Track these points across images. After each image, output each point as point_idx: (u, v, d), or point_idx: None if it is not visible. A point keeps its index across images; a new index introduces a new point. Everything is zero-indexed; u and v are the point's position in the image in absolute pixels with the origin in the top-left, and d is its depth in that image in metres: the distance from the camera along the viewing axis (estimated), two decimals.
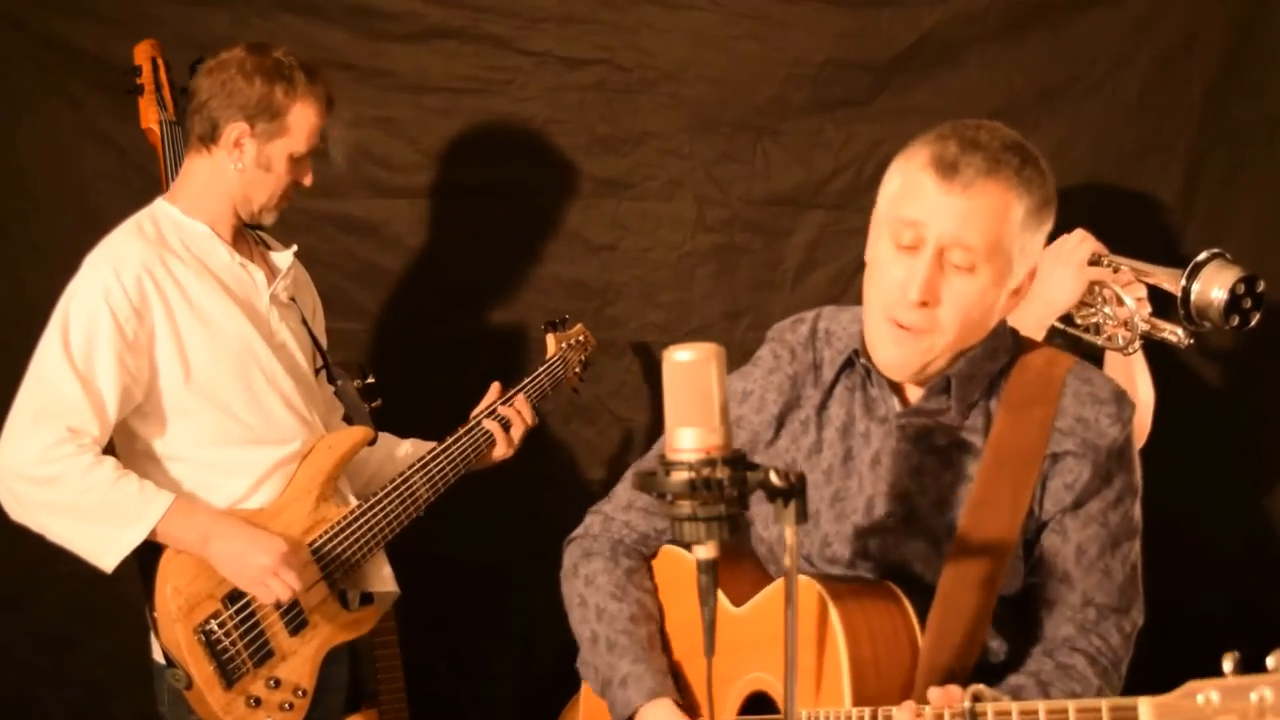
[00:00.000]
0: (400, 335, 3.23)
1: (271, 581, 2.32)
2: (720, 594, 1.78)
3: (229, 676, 2.31)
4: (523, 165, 3.20)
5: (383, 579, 2.58)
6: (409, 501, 2.56)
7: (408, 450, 2.72)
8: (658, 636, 1.88)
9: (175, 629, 2.28)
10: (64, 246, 3.17)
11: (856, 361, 1.78)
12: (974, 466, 1.71)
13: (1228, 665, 1.19)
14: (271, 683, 2.36)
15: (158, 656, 2.40)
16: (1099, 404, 1.71)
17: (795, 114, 3.14)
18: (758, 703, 1.74)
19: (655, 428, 3.01)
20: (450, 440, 2.64)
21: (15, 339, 3.14)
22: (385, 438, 2.75)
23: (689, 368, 1.37)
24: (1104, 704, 1.32)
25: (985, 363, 1.73)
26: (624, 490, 1.97)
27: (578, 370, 3.01)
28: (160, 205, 2.48)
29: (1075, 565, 1.69)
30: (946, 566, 1.68)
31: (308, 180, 2.53)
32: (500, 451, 2.72)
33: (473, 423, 2.69)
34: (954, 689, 1.51)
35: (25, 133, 3.16)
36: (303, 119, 2.44)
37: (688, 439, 1.36)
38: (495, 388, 2.76)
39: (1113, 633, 1.70)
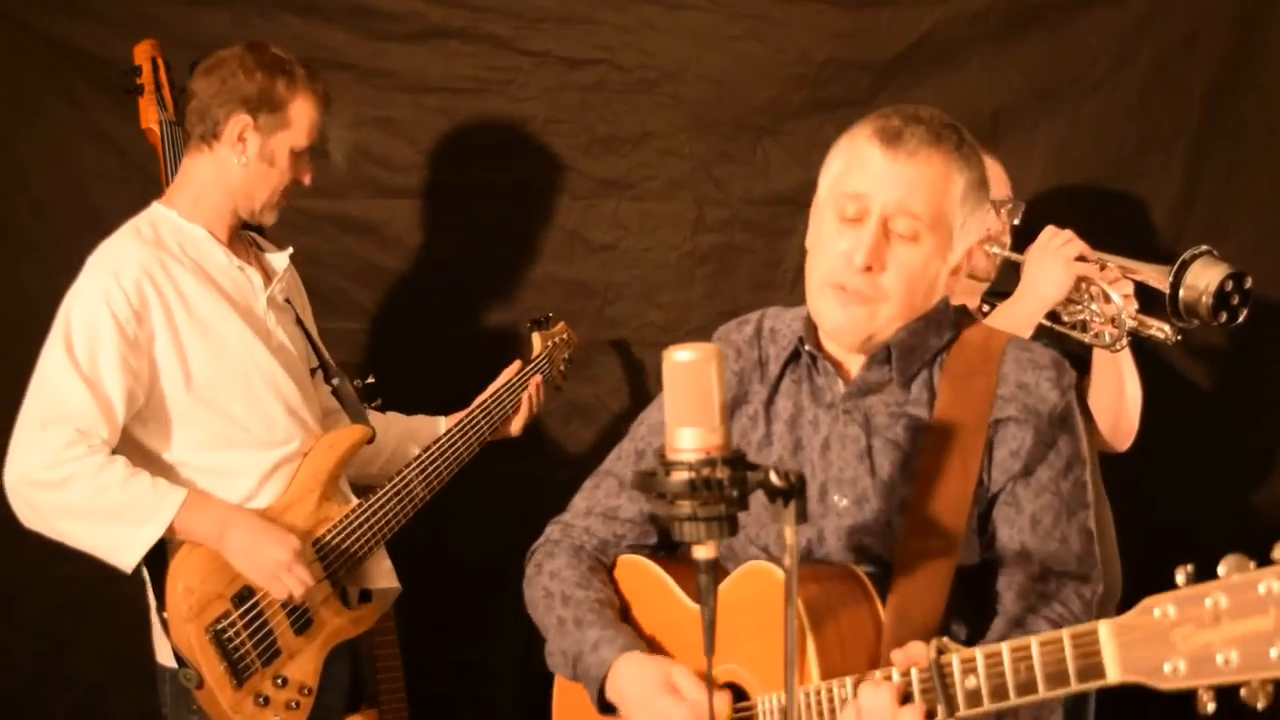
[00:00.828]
0: (400, 335, 3.23)
1: (285, 576, 2.33)
2: (680, 592, 1.80)
3: (239, 676, 2.32)
4: (523, 165, 3.20)
5: (384, 575, 2.60)
6: (406, 500, 2.57)
7: (400, 427, 2.78)
8: (623, 619, 1.86)
9: (187, 629, 2.28)
10: (64, 247, 3.17)
11: (802, 350, 1.81)
12: (921, 442, 1.72)
13: (1180, 578, 1.21)
14: (279, 681, 2.37)
15: (162, 659, 2.41)
16: (1039, 369, 1.73)
17: (795, 114, 3.14)
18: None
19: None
20: (458, 428, 2.70)
21: (15, 340, 3.15)
22: (396, 418, 2.80)
23: (689, 368, 1.37)
24: (1065, 633, 1.33)
25: (927, 335, 1.75)
26: (582, 499, 1.98)
27: (562, 369, 3.03)
28: (158, 209, 2.47)
29: (1031, 535, 1.70)
30: (902, 541, 1.69)
31: (307, 178, 2.53)
32: (520, 423, 2.83)
33: (482, 406, 2.76)
34: (916, 647, 1.52)
35: (25, 133, 3.16)
36: (303, 113, 2.46)
37: (688, 439, 1.36)
38: (516, 364, 2.87)
39: (1073, 599, 1.70)
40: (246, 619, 2.34)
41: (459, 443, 2.70)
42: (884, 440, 1.74)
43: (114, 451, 2.33)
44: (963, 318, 1.82)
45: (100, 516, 2.25)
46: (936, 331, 1.76)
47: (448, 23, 3.16)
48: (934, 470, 1.70)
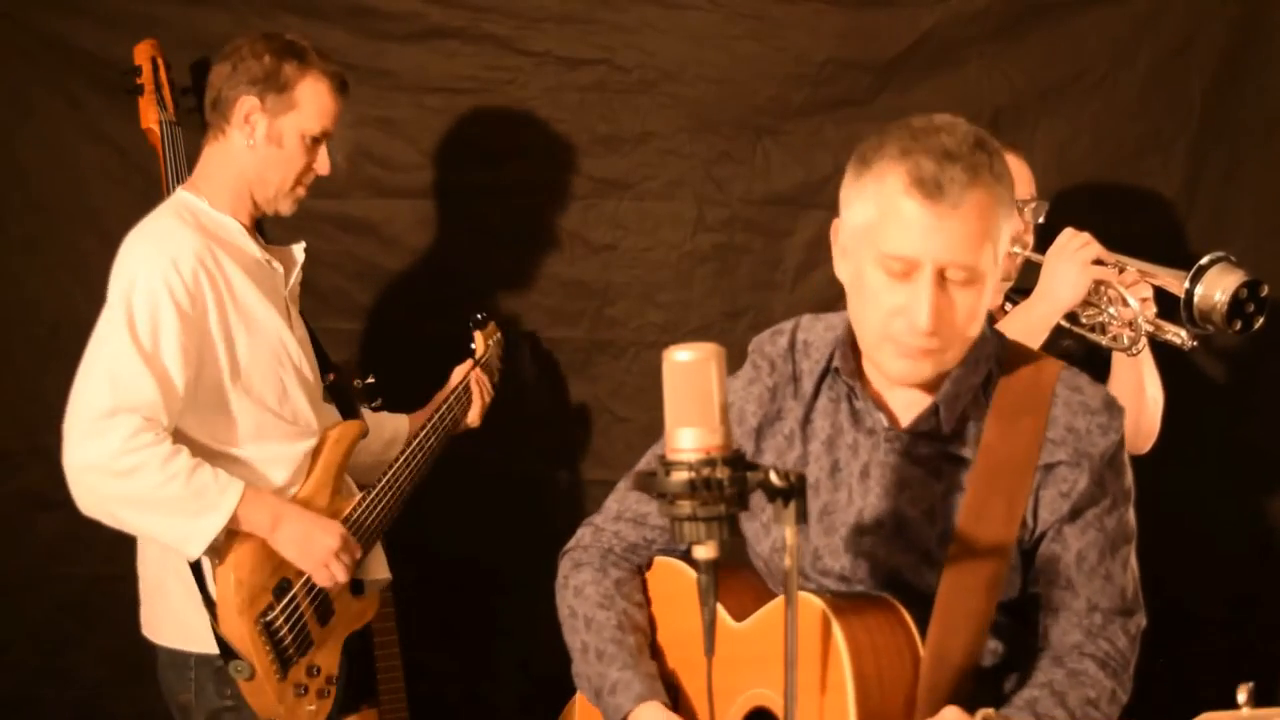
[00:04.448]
0: (400, 335, 3.23)
1: (334, 564, 2.39)
2: (721, 609, 1.77)
3: (284, 666, 2.37)
4: (523, 165, 3.20)
5: (381, 565, 2.64)
6: (396, 494, 2.62)
7: (391, 426, 2.82)
8: (646, 645, 1.87)
9: (239, 621, 2.31)
10: (64, 246, 3.17)
11: (838, 378, 1.77)
12: (964, 476, 1.70)
13: (1242, 697, 1.17)
14: (313, 670, 2.43)
15: (191, 646, 2.42)
16: (1090, 414, 1.70)
17: (795, 114, 3.14)
18: (757, 719, 1.73)
19: (655, 428, 3.01)
20: (429, 423, 2.76)
21: (15, 338, 3.16)
22: (377, 415, 2.83)
23: (689, 368, 1.37)
24: None
25: (968, 378, 1.72)
26: (614, 501, 1.97)
27: (499, 365, 3.06)
28: (188, 197, 2.45)
29: (1077, 572, 1.69)
30: (944, 579, 1.67)
31: (324, 168, 2.52)
32: (477, 413, 2.89)
33: (447, 399, 2.83)
34: (950, 713, 1.51)
35: (25, 133, 3.16)
36: (313, 95, 2.46)
37: (688, 439, 1.36)
38: (464, 365, 2.93)
39: (1119, 635, 1.69)
40: (286, 610, 2.38)
41: (432, 439, 2.74)
42: (925, 471, 1.72)
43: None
44: (1004, 345, 1.79)
45: (165, 507, 2.25)
46: (975, 369, 1.72)
47: (448, 23, 3.15)
48: (978, 509, 1.68)
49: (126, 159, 3.11)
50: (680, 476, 1.34)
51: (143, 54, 2.82)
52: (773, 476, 1.35)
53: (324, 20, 3.14)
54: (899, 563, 1.72)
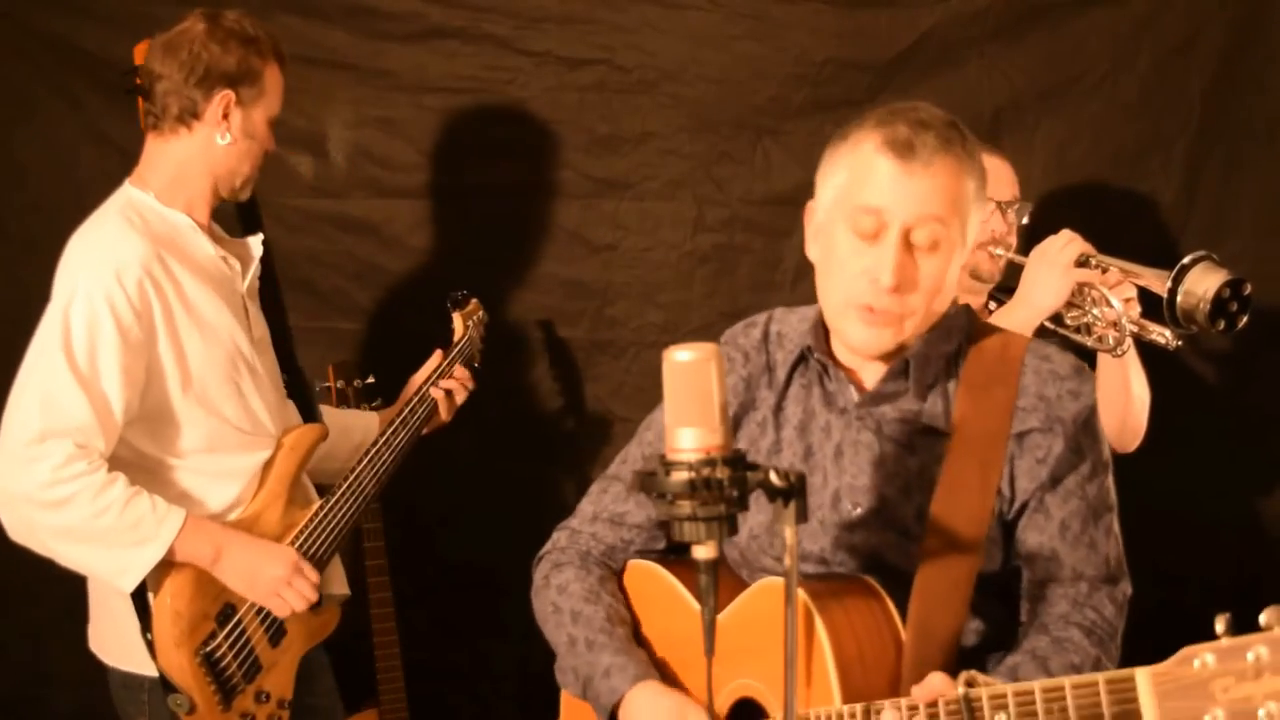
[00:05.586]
0: (400, 335, 3.23)
1: (285, 592, 2.29)
2: (691, 598, 1.79)
3: (227, 697, 2.27)
4: (523, 165, 3.20)
5: (340, 580, 2.54)
6: (359, 497, 2.49)
7: (361, 426, 2.70)
8: (633, 638, 1.86)
9: (177, 653, 2.22)
10: (64, 246, 3.16)
11: (810, 357, 1.79)
12: (937, 450, 1.71)
13: (1220, 627, 1.19)
14: (261, 696, 2.33)
15: (134, 668, 2.34)
16: (1060, 380, 1.71)
17: (795, 114, 3.14)
18: (743, 710, 1.73)
19: None
20: (399, 418, 2.64)
21: (15, 339, 3.16)
22: (336, 413, 2.72)
23: (689, 368, 1.37)
24: (1100, 678, 1.32)
25: (940, 344, 1.74)
26: (588, 504, 1.97)
27: (481, 347, 2.96)
28: (135, 194, 2.33)
29: (1060, 541, 1.69)
30: (923, 554, 1.67)
31: (273, 144, 2.45)
32: (441, 419, 2.74)
33: (419, 393, 2.70)
34: (936, 679, 1.51)
35: (25, 133, 3.16)
36: (274, 79, 2.39)
37: (688, 439, 1.36)
38: (438, 354, 2.79)
39: (1106, 604, 1.70)
40: (230, 638, 2.28)
41: (401, 435, 2.62)
42: (899, 448, 1.72)
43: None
44: (973, 321, 1.81)
45: (99, 539, 2.15)
46: (947, 338, 1.74)
47: (448, 23, 3.16)
48: (952, 480, 1.68)
49: (126, 159, 3.09)
50: (680, 476, 1.34)
51: (143, 54, 2.81)
52: (773, 476, 1.35)
53: (324, 20, 3.14)
54: (877, 542, 1.72)
